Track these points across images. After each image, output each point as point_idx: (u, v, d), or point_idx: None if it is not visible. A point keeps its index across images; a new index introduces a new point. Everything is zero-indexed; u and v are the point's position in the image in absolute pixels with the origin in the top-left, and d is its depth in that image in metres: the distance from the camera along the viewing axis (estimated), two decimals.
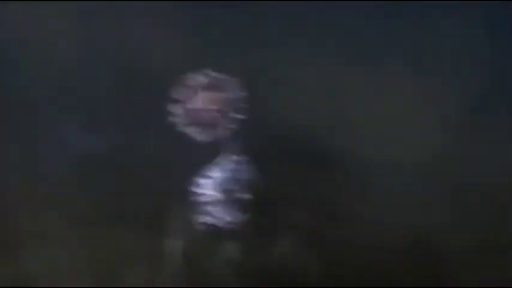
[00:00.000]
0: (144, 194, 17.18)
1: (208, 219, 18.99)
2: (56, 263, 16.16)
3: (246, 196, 18.86)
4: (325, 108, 17.26)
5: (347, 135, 17.01)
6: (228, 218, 18.93)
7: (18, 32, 17.05)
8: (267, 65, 16.58)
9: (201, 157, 17.25)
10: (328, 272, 17.37)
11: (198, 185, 19.32)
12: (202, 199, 19.10)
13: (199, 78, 17.69)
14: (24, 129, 17.05)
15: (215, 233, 18.28)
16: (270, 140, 18.08)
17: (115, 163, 16.03)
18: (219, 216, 19.15)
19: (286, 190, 17.91)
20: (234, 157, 18.94)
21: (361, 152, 16.82)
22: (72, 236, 16.21)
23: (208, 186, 19.06)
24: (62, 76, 15.46)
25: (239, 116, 18.88)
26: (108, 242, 16.42)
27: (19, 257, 16.45)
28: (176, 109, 18.14)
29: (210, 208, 19.11)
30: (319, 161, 18.20)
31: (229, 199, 18.64)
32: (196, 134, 17.28)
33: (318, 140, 18.11)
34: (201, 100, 18.64)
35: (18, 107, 16.81)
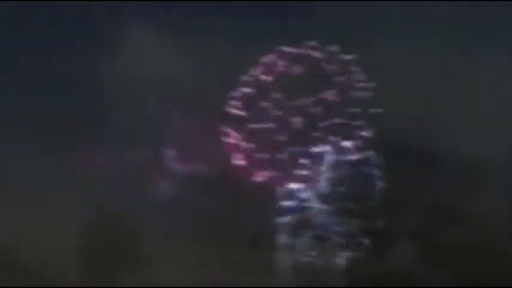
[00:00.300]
0: (253, 211, 41.55)
1: (317, 230, 40.03)
2: (176, 278, 37.35)
3: (355, 204, 40.77)
4: (440, 111, 42.43)
5: (462, 137, 39.01)
6: (338, 227, 39.11)
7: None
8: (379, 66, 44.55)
9: (306, 170, 43.46)
10: (447, 274, 35.91)
11: (304, 198, 40.87)
12: (310, 211, 41.15)
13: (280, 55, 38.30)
14: (136, 160, 41.29)
15: (326, 243, 39.74)
16: (380, 145, 44.94)
17: (226, 186, 43.05)
18: (328, 226, 39.71)
19: (399, 195, 40.58)
20: (340, 166, 41.00)
21: (477, 155, 39.06)
22: (189, 252, 39.30)
23: (316, 197, 40.75)
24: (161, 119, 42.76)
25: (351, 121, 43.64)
26: (223, 258, 39.95)
27: (145, 275, 38.05)
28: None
29: (318, 219, 40.58)
30: (433, 164, 40.27)
31: (338, 208, 40.93)
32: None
33: (431, 143, 41.09)
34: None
35: (130, 142, 42.29)
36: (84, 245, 40.97)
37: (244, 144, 53.62)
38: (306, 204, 45.27)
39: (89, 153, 43.90)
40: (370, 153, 47.57)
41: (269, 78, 55.14)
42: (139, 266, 40.63)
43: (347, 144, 51.01)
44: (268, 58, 55.69)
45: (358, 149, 49.68)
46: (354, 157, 48.91)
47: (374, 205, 42.66)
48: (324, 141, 53.45)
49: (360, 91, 55.04)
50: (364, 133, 52.77)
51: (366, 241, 42.12)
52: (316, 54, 56.09)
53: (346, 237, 42.51)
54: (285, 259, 43.42)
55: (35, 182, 41.87)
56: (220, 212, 43.37)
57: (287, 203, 46.55)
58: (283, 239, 43.48)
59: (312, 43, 55.64)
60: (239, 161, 52.99)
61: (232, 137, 53.57)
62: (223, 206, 44.06)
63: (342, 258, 43.24)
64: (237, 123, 53.56)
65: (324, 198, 44.13)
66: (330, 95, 55.04)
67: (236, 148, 53.44)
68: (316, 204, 44.15)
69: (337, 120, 54.51)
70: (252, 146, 53.56)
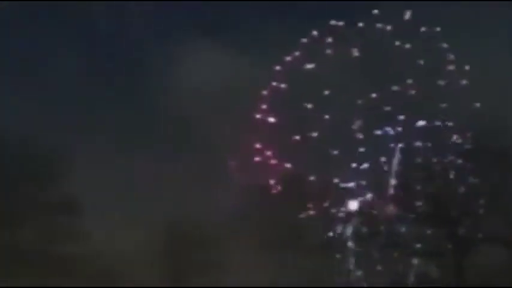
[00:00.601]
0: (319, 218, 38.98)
1: (392, 237, 35.43)
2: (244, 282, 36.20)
3: (434, 210, 34.90)
4: None
5: None
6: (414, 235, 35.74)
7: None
8: None
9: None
10: None
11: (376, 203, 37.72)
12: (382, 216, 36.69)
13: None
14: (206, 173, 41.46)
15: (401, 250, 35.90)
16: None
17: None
18: (402, 233, 36.18)
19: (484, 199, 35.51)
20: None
21: None
22: (255, 261, 37.32)
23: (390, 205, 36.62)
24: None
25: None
26: (287, 265, 37.13)
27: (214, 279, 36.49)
28: None
29: (393, 225, 36.09)
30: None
31: (415, 215, 35.26)
32: None
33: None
34: None
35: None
36: (158, 249, 41.51)
37: (279, 163, 38.81)
38: (378, 212, 40.23)
39: (160, 164, 44.72)
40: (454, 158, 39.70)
41: (312, 66, 39.86)
42: (209, 270, 40.63)
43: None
44: (311, 37, 40.00)
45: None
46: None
47: (455, 210, 38.16)
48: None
49: (452, 79, 39.93)
50: (456, 138, 37.43)
51: (447, 248, 37.89)
52: (383, 27, 40.43)
53: (424, 244, 38.57)
54: (355, 266, 41.09)
55: (112, 192, 42.80)
56: (287, 219, 40.94)
57: (355, 209, 41.33)
58: (353, 246, 40.87)
59: (375, 12, 39.65)
60: (274, 186, 38.99)
61: (263, 154, 38.48)
62: (289, 214, 41.23)
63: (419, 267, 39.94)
64: (269, 133, 38.78)
65: (398, 205, 39.00)
66: (407, 86, 40.47)
67: (269, 168, 38.59)
68: (390, 211, 39.73)
69: (420, 123, 40.10)
70: (291, 165, 39.05)
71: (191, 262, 40.53)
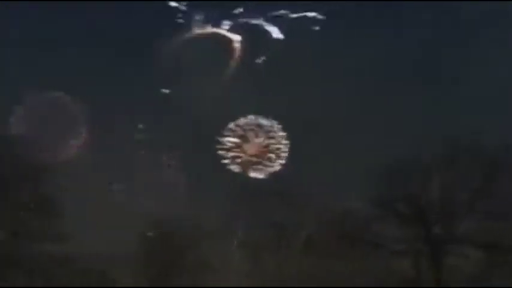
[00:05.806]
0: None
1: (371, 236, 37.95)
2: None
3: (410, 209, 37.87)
4: None
5: None
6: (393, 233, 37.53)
7: None
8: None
9: None
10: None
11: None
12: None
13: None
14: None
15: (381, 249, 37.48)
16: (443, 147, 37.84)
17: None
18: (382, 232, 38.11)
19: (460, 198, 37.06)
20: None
21: None
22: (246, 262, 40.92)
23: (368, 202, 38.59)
24: None
25: None
26: (276, 267, 40.04)
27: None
28: None
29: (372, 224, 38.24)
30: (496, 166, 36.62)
31: (391, 213, 37.73)
32: None
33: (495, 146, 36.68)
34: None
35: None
36: (145, 249, 41.57)
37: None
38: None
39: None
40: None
41: None
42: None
43: None
44: None
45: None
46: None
47: (430, 210, 38.88)
48: None
49: None
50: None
51: (424, 248, 38.67)
52: None
53: (402, 244, 39.15)
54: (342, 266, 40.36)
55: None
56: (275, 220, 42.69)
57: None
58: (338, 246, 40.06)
59: None
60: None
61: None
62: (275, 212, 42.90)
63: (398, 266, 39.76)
64: None
65: (375, 202, 39.62)
66: None
67: None
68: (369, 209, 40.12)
69: None
70: None
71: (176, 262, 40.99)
